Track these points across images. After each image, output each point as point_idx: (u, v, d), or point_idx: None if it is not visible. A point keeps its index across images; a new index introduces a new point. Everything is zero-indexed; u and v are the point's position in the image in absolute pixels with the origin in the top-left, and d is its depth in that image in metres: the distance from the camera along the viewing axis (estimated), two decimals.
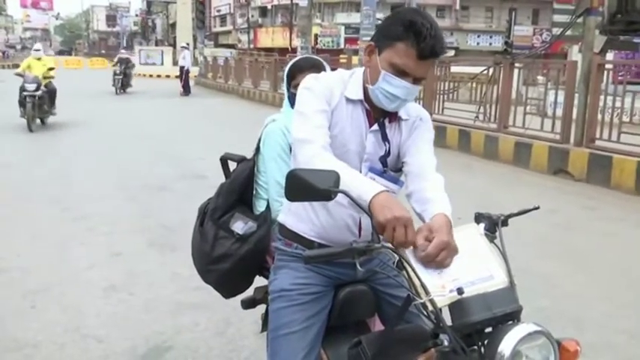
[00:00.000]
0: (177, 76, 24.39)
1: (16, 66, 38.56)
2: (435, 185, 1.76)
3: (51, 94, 12.18)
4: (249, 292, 2.46)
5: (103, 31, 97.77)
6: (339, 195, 1.51)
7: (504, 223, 1.66)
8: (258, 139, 2.35)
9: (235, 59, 26.44)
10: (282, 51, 32.22)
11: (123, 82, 21.67)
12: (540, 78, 11.72)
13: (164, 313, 3.70)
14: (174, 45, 35.25)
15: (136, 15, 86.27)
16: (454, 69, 12.82)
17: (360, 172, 1.81)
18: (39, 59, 12.23)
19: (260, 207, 2.36)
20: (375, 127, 1.83)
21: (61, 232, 5.31)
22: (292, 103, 2.09)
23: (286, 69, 2.46)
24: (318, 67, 2.36)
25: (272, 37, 47.02)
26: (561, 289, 4.28)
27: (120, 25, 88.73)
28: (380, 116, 1.84)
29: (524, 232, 4.91)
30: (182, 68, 22.42)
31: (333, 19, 45.53)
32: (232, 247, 2.24)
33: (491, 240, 1.61)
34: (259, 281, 2.39)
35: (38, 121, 12.06)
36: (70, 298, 3.92)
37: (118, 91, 21.33)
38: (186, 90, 22.23)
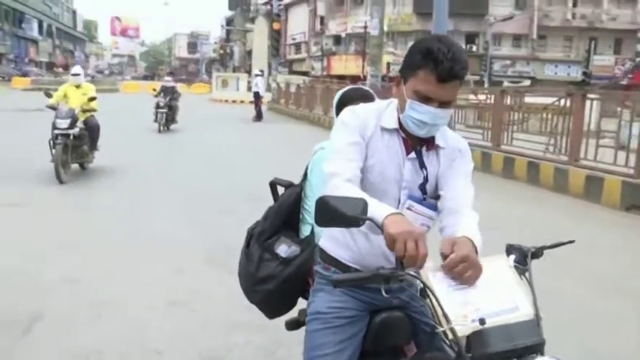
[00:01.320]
0: (250, 102, 25.06)
1: (105, 91, 40.88)
2: (469, 222, 1.79)
3: (92, 132, 9.42)
4: (293, 314, 2.54)
5: (184, 58, 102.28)
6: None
7: (535, 255, 1.67)
8: (307, 166, 2.45)
9: (307, 86, 26.97)
10: (355, 78, 32.57)
11: (167, 116, 16.88)
12: (620, 109, 11.33)
13: (219, 330, 3.84)
14: (249, 72, 36.30)
15: (215, 43, 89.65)
16: (528, 99, 12.58)
17: (399, 200, 1.87)
18: (78, 86, 9.43)
19: (305, 231, 2.45)
20: (413, 155, 1.88)
21: (130, 249, 5.59)
22: None
23: (336, 98, 2.56)
24: (367, 98, 2.43)
25: (345, 64, 47.62)
26: (619, 331, 4.11)
27: (200, 51, 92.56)
28: (417, 144, 1.89)
29: (585, 268, 4.76)
30: (256, 94, 23.08)
31: (406, 47, 45.66)
32: (276, 269, 2.33)
33: (522, 272, 1.63)
34: (303, 303, 2.47)
35: (74, 166, 9.34)
36: (133, 311, 4.13)
37: (162, 128, 16.66)
38: (259, 116, 22.80)
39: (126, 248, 5.59)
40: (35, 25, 70.66)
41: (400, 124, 1.87)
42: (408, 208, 1.87)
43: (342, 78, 35.93)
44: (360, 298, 1.96)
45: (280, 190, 2.62)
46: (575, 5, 45.44)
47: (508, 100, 10.88)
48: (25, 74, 48.61)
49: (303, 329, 2.52)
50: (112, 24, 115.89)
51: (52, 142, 8.74)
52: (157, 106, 16.64)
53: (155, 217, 6.80)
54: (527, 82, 39.73)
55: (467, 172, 1.95)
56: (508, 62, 46.15)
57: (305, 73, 48.79)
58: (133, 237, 5.96)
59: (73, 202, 7.55)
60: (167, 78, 19.55)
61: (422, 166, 1.89)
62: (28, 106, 20.31)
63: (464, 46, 43.19)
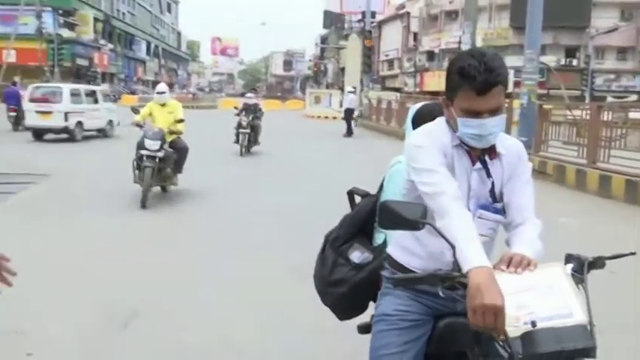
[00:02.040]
0: (342, 118, 25.39)
1: (205, 107, 42.82)
2: (529, 235, 1.88)
3: (180, 154, 8.80)
4: (366, 319, 2.66)
5: (279, 75, 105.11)
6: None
7: (594, 265, 1.70)
8: (383, 177, 2.57)
9: (398, 102, 26.99)
10: None
11: (250, 137, 14.96)
12: None
13: (303, 334, 4.01)
14: (342, 88, 36.84)
15: (310, 60, 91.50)
16: (633, 114, 11.99)
17: (469, 208, 1.96)
18: (163, 105, 8.91)
19: (378, 239, 2.57)
20: (478, 165, 1.97)
21: (221, 255, 5.92)
22: None
23: (411, 113, 2.66)
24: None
25: (438, 80, 47.09)
26: None
27: (295, 69, 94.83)
28: (481, 154, 1.97)
29: None
30: (347, 110, 23.39)
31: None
32: (348, 273, 2.47)
33: (579, 281, 1.67)
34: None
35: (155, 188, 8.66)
36: (219, 313, 4.39)
37: (243, 150, 14.68)
38: (349, 131, 23.07)
39: (214, 258, 5.91)
40: (144, 47, 75.42)
41: (460, 138, 1.96)
42: (479, 217, 1.95)
43: (435, 94, 35.56)
44: (424, 302, 2.05)
45: (357, 199, 2.76)
46: None
47: (606, 116, 10.42)
48: (133, 92, 51.94)
49: None
50: (213, 44, 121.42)
51: (136, 162, 8.33)
52: (239, 126, 14.77)
53: (244, 232, 7.12)
54: (634, 97, 37.54)
55: (528, 179, 2.02)
56: (612, 76, 43.86)
57: (398, 90, 48.76)
58: (222, 248, 6.30)
59: (158, 226, 7.27)
60: (249, 94, 17.08)
61: (488, 175, 1.97)
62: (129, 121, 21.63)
63: (563, 61, 41.60)
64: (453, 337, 2.06)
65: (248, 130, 14.66)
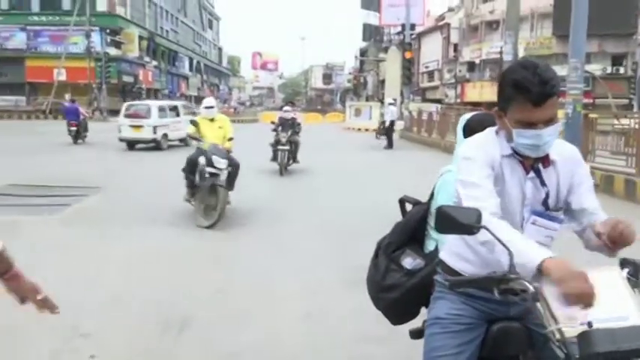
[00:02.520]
0: (378, 131, 25.38)
1: (246, 122, 43.48)
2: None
3: (232, 172, 8.23)
4: (418, 324, 2.71)
5: (319, 88, 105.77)
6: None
7: None
8: (434, 186, 2.65)
9: (439, 113, 26.85)
10: (491, 105, 31.82)
11: (289, 155, 13.69)
12: None
13: (351, 342, 4.09)
14: (382, 100, 36.90)
15: (350, 73, 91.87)
16: None
17: (523, 216, 2.01)
18: (212, 120, 8.53)
19: (429, 246, 2.63)
20: (532, 174, 2.02)
21: (267, 264, 6.04)
22: None
23: (462, 124, 2.73)
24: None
25: (480, 91, 46.66)
26: None
27: (334, 82, 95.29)
28: (534, 163, 2.02)
29: None
30: (388, 123, 23.40)
31: None
32: (401, 279, 2.54)
33: (635, 285, 1.71)
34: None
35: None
36: (270, 321, 4.50)
37: (283, 170, 13.42)
38: (390, 144, 23.04)
39: (264, 272, 6.04)
40: (186, 63, 77.13)
41: (513, 148, 2.01)
42: (533, 223, 2.01)
43: (476, 105, 35.26)
44: (477, 307, 2.11)
45: (408, 207, 2.83)
46: None
47: None
48: None
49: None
50: (254, 59, 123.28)
51: (188, 180, 8.19)
52: (277, 143, 13.44)
53: (294, 246, 7.25)
54: None
55: (590, 182, 2.09)
56: None
57: (438, 101, 48.49)
58: (272, 263, 6.43)
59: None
60: (286, 108, 15.16)
61: (542, 183, 2.02)
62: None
63: (609, 69, 40.64)
64: (506, 341, 2.11)
65: (287, 147, 13.43)
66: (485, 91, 45.88)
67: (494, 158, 1.99)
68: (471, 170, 1.96)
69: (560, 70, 36.29)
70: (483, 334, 2.11)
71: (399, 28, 50.57)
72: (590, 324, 1.55)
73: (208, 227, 7.62)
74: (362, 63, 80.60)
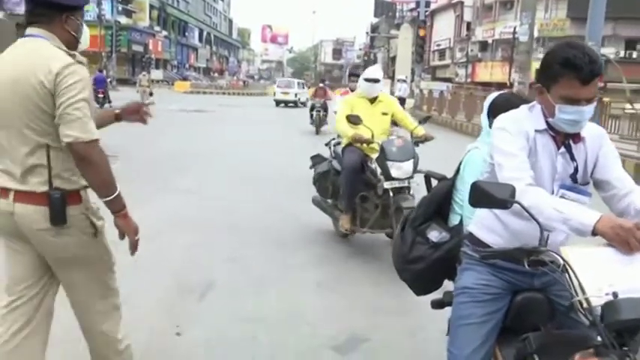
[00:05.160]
0: None
1: (255, 95, 43.74)
2: None
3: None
4: (438, 295, 2.83)
5: (328, 64, 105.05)
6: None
7: None
8: (460, 162, 2.74)
9: (450, 92, 26.78)
10: (501, 85, 31.68)
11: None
12: None
13: (365, 312, 4.23)
14: (392, 77, 36.70)
15: (360, 49, 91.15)
16: None
17: (553, 190, 2.11)
18: (373, 101, 5.58)
19: (454, 220, 2.73)
20: (563, 149, 2.12)
21: (281, 236, 6.19)
22: None
23: (489, 102, 2.81)
24: (526, 102, 2.68)
25: (490, 71, 46.33)
26: None
27: (344, 58, 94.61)
28: (564, 139, 2.13)
29: None
30: (399, 100, 23.35)
31: None
32: (427, 251, 2.65)
33: None
34: (448, 286, 2.76)
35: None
36: (288, 290, 4.64)
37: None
38: None
39: (277, 232, 6.19)
40: (196, 34, 76.77)
41: (547, 124, 2.11)
42: (562, 196, 2.10)
43: (487, 85, 35.06)
44: (503, 277, 2.21)
45: (434, 182, 2.92)
46: None
47: None
48: (185, 79, 53.03)
49: (446, 310, 2.83)
50: (263, 32, 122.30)
51: (345, 193, 5.48)
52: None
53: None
54: None
55: (617, 155, 2.21)
56: None
57: (449, 80, 48.19)
58: (284, 223, 6.58)
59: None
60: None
61: (572, 158, 2.12)
62: (188, 107, 22.27)
63: (622, 53, 40.25)
64: (529, 310, 2.21)
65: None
66: (495, 71, 45.55)
67: (529, 132, 2.09)
68: (508, 140, 2.07)
69: None
70: (508, 304, 2.22)
71: (412, 5, 50.00)
72: (615, 294, 1.65)
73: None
74: (372, 39, 79.86)
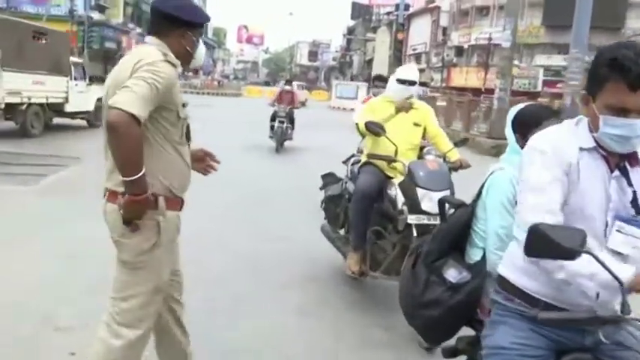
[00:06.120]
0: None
1: (230, 95, 42.94)
2: None
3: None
4: (451, 341, 2.40)
5: (304, 65, 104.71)
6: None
7: None
8: (482, 185, 2.31)
9: (426, 97, 26.55)
10: (475, 91, 31.70)
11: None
12: None
13: (352, 345, 3.77)
14: (368, 80, 36.46)
15: (336, 51, 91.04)
16: None
17: (606, 222, 1.70)
18: (408, 110, 4.43)
19: (474, 255, 2.30)
20: (617, 172, 1.72)
21: (259, 254, 5.67)
22: None
23: (512, 114, 2.39)
24: (559, 116, 2.29)
25: (466, 76, 46.43)
26: None
27: (320, 60, 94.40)
28: (619, 160, 1.72)
29: None
30: None
31: (532, 60, 43.75)
32: (444, 294, 2.21)
33: None
34: (462, 330, 2.33)
35: None
36: (265, 313, 4.16)
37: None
38: None
39: (254, 251, 5.69)
40: None
41: (596, 142, 1.71)
42: (618, 231, 1.69)
43: (462, 90, 35.04)
44: (547, 335, 1.79)
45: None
46: None
47: None
48: None
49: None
50: (239, 32, 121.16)
51: (354, 226, 4.35)
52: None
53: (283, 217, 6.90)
54: None
55: None
56: None
57: (424, 84, 48.06)
58: (263, 239, 6.08)
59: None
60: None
61: (629, 183, 1.72)
62: None
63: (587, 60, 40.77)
64: None
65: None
66: (470, 76, 45.64)
67: (570, 154, 1.69)
68: (538, 168, 1.68)
69: (546, 60, 36.29)
70: None
71: (389, 8, 49.96)
72: None
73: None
74: (349, 42, 79.80)
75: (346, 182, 4.87)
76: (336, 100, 37.02)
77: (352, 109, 33.50)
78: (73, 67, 14.56)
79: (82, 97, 14.69)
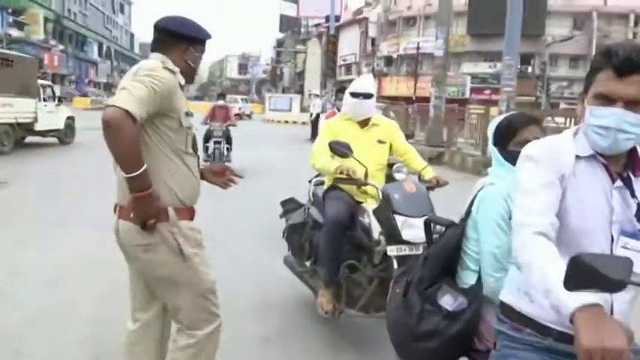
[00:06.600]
0: (303, 123, 24.96)
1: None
2: None
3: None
4: None
5: (234, 79, 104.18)
6: None
7: None
8: (470, 202, 2.15)
9: None
10: (406, 99, 32.31)
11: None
12: None
13: None
14: (301, 92, 36.49)
15: (267, 64, 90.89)
16: None
17: (612, 237, 1.57)
18: (365, 124, 4.10)
19: (466, 279, 2.13)
20: (619, 183, 1.59)
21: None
22: (512, 163, 1.87)
23: (494, 125, 2.26)
24: (537, 121, 2.19)
25: (396, 85, 47.36)
26: None
27: (250, 72, 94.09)
28: (622, 170, 1.61)
29: None
30: (314, 115, 22.99)
31: (459, 68, 45.08)
32: (441, 323, 2.03)
33: None
34: None
35: None
36: (223, 346, 3.86)
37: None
38: (315, 136, 22.63)
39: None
40: (95, 48, 73.20)
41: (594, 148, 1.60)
42: (624, 247, 1.57)
43: (393, 99, 35.62)
44: None
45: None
46: (636, 25, 44.06)
47: None
48: (84, 95, 50.39)
49: None
50: None
51: (326, 260, 3.79)
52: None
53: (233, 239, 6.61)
54: None
55: None
56: (565, 84, 44.95)
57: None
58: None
59: None
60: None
61: (632, 195, 1.59)
62: (91, 125, 20.65)
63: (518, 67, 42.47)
64: None
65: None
66: (401, 85, 46.62)
67: (565, 162, 1.58)
68: (531, 173, 1.58)
69: (473, 68, 37.48)
70: None
71: (317, 20, 50.33)
72: None
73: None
74: (279, 54, 79.92)
75: (309, 208, 4.34)
76: (270, 112, 36.73)
77: (286, 122, 33.47)
78: (41, 89, 15.72)
79: (51, 116, 15.97)
